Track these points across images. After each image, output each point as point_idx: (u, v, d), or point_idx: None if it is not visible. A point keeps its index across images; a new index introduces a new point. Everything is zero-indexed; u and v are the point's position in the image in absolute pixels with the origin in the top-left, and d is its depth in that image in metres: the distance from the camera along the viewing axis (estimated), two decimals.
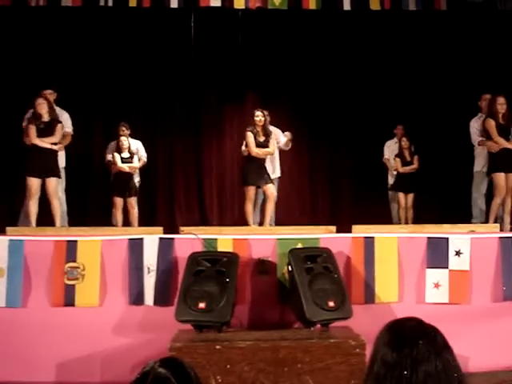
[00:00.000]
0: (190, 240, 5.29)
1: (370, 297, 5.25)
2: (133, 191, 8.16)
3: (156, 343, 4.63)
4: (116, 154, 8.04)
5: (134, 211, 8.13)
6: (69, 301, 5.11)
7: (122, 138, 8.10)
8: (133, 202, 8.15)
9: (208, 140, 10.14)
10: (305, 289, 4.72)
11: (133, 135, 8.40)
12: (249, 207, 7.33)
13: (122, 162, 8.05)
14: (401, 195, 8.48)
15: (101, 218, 8.49)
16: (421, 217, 8.27)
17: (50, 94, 7.39)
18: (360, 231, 5.62)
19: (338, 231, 5.89)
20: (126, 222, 8.10)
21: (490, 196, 7.32)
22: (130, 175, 8.13)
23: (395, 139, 8.77)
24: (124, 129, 8.22)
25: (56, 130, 6.92)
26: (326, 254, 5.04)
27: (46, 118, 6.91)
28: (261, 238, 5.49)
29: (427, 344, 1.63)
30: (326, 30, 9.70)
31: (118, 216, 8.00)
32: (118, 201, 8.03)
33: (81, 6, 8.19)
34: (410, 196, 8.47)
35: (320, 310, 4.68)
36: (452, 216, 7.18)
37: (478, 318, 5.26)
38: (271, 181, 7.50)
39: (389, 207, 8.82)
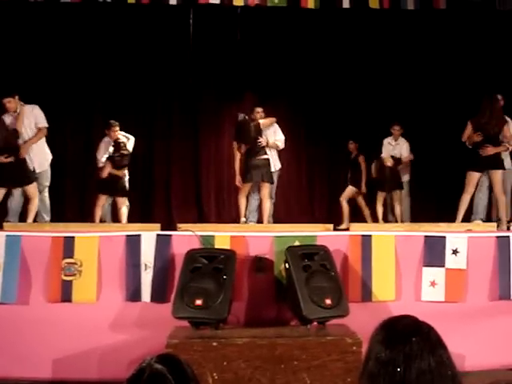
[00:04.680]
0: (187, 237, 5.29)
1: (366, 295, 5.26)
2: (123, 192, 8.13)
3: (153, 340, 4.63)
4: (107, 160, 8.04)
5: (123, 209, 8.08)
6: (66, 297, 5.11)
7: (120, 138, 8.10)
8: (121, 200, 8.12)
9: (206, 137, 10.15)
10: (302, 286, 4.72)
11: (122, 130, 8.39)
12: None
13: (115, 162, 8.04)
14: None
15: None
16: (418, 215, 8.28)
17: (10, 102, 7.08)
18: (357, 229, 5.62)
19: (335, 229, 5.90)
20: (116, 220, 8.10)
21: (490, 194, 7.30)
22: (119, 176, 8.11)
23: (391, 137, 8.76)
24: (117, 128, 8.18)
25: None
26: (323, 252, 5.04)
27: None
28: (258, 235, 5.49)
29: (420, 341, 1.63)
30: (325, 28, 9.69)
31: (98, 211, 7.95)
32: (102, 198, 8.00)
33: (79, 2, 8.18)
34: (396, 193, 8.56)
35: (317, 307, 4.69)
36: (449, 215, 7.19)
37: (473, 316, 5.26)
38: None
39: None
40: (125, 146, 8.13)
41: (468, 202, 7.03)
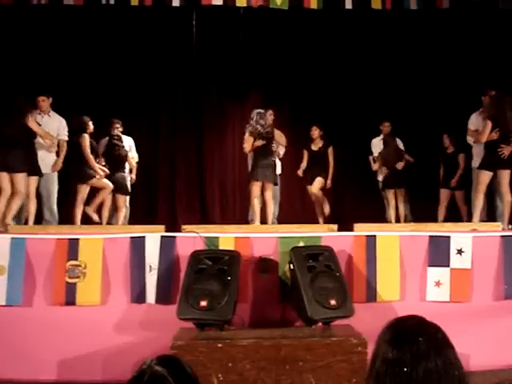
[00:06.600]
0: (191, 238, 5.30)
1: (371, 295, 5.25)
2: (122, 189, 8.06)
3: (158, 341, 4.64)
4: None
5: (123, 210, 8.05)
6: (70, 299, 5.11)
7: (117, 136, 8.11)
8: (122, 199, 8.06)
9: (210, 139, 10.15)
10: (306, 287, 4.72)
11: (125, 132, 8.37)
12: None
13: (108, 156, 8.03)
14: (390, 192, 8.51)
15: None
16: (423, 215, 8.26)
17: (43, 101, 7.27)
18: (362, 230, 5.61)
19: (339, 230, 5.89)
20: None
21: (491, 193, 7.27)
22: (119, 174, 8.08)
23: (381, 136, 8.74)
24: (118, 126, 8.17)
25: None
26: (328, 253, 5.05)
27: None
28: (263, 236, 5.48)
29: (428, 341, 1.63)
30: (328, 29, 9.68)
31: (104, 212, 7.91)
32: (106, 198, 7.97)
33: (83, 4, 8.18)
34: (400, 192, 8.49)
35: (321, 308, 4.69)
36: (451, 216, 7.17)
37: (479, 316, 5.25)
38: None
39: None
40: (120, 139, 8.11)
41: (483, 201, 6.90)
